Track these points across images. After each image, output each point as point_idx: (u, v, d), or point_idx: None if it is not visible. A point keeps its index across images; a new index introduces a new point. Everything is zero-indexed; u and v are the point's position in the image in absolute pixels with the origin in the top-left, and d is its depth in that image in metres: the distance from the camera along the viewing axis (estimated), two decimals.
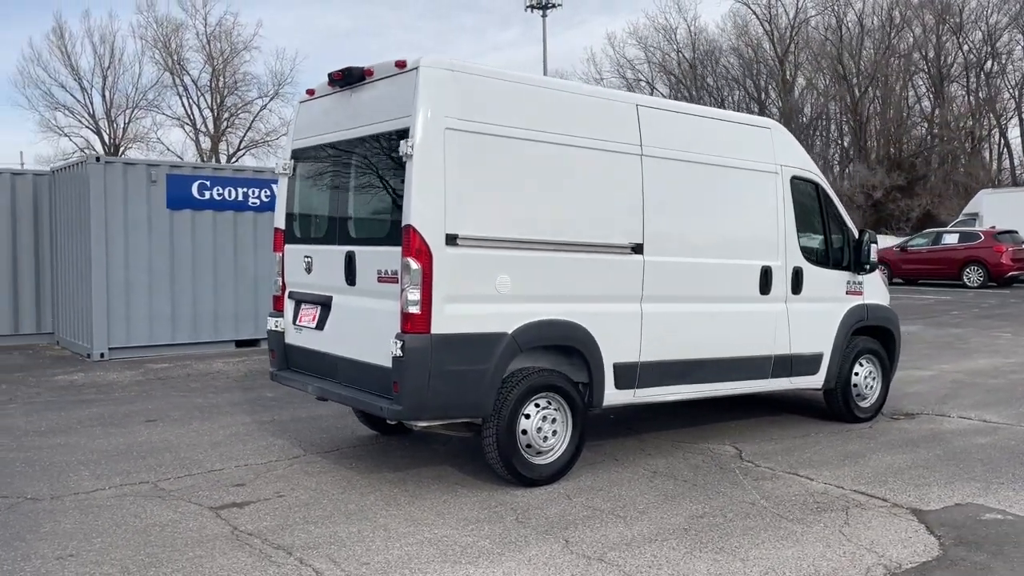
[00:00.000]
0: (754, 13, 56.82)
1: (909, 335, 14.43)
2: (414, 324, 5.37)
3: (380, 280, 5.70)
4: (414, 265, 5.34)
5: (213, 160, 50.89)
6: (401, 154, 5.40)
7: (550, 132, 5.95)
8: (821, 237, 7.80)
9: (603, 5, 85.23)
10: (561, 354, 6.13)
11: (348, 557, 4.71)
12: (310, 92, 6.72)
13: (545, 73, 58.15)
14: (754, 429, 7.77)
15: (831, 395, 7.96)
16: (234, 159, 52.68)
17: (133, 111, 55.16)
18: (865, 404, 8.10)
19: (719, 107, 60.26)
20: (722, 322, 6.92)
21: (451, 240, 5.44)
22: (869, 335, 8.15)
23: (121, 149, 54.52)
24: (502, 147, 5.71)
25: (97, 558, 4.69)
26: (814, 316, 7.56)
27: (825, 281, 7.69)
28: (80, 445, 7.17)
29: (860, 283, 7.97)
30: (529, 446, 5.91)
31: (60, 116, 53.01)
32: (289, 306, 6.80)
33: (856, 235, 7.92)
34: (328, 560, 4.66)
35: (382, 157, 5.76)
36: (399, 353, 5.37)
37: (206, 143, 54.53)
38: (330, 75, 6.24)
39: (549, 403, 5.99)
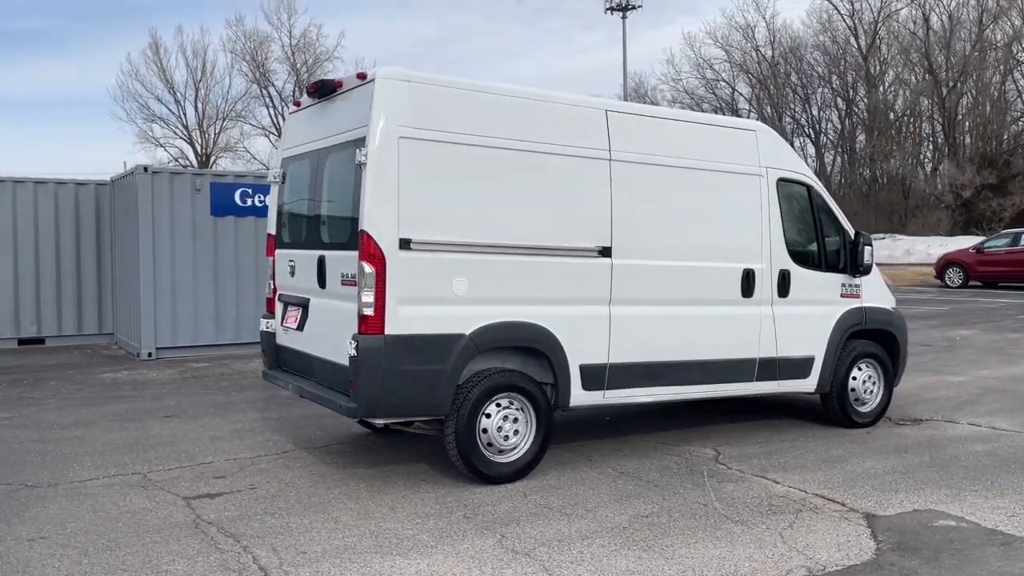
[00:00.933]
0: (835, 8, 55.38)
1: (961, 340, 14.03)
2: (368, 325, 5.61)
3: (343, 283, 5.96)
4: (368, 269, 5.58)
5: None
6: (357, 162, 5.65)
7: (512, 139, 6.10)
8: (812, 240, 7.72)
9: (685, 5, 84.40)
10: (526, 355, 6.27)
11: (289, 546, 4.96)
12: (296, 104, 7.04)
13: (624, 75, 58.06)
14: (743, 432, 7.74)
15: (827, 399, 7.87)
16: None
17: (223, 122, 57.55)
18: (865, 409, 7.97)
19: (803, 104, 59.14)
20: (700, 325, 6.95)
21: (405, 244, 5.66)
22: (869, 339, 8.02)
23: (212, 159, 56.91)
24: (459, 154, 5.90)
25: (64, 541, 5.07)
26: (804, 319, 7.50)
27: (816, 284, 7.61)
28: (94, 438, 7.67)
29: (857, 286, 7.85)
30: (490, 445, 6.08)
31: (156, 128, 55.84)
32: (279, 308, 7.14)
33: (852, 238, 7.80)
34: (270, 548, 4.93)
35: (346, 165, 6.02)
36: (354, 353, 5.62)
37: None
38: (306, 87, 6.54)
39: (511, 403, 6.15)
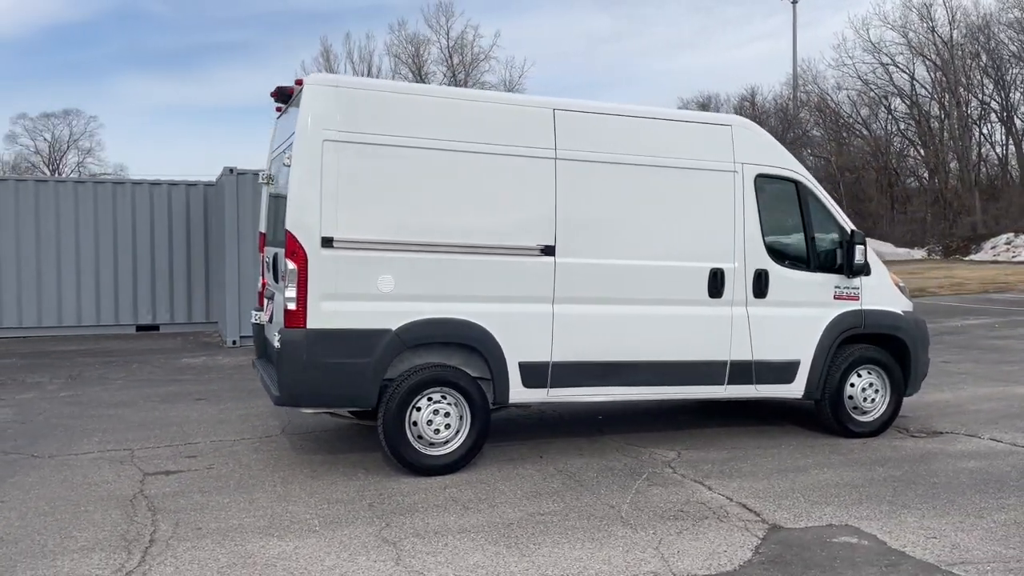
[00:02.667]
0: None
1: None
2: (291, 319, 5.94)
3: (279, 279, 6.32)
4: (291, 265, 5.91)
5: None
6: (285, 164, 5.99)
7: (445, 140, 6.25)
8: (799, 238, 7.36)
9: None
10: (463, 351, 6.40)
11: (192, 523, 5.36)
12: (278, 109, 7.47)
13: (795, 61, 55.87)
14: (722, 437, 7.51)
15: (819, 407, 7.49)
16: None
17: None
18: (865, 419, 7.52)
19: (995, 85, 54.53)
20: (660, 325, 6.81)
21: (327, 243, 5.94)
22: (873, 344, 7.56)
23: None
24: (388, 156, 6.12)
25: (15, 506, 5.70)
26: (786, 321, 7.18)
27: (802, 285, 7.26)
28: (121, 416, 8.46)
29: (856, 288, 7.41)
30: (420, 437, 6.26)
31: None
32: (266, 302, 7.61)
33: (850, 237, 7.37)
34: (173, 523, 5.34)
35: (286, 168, 6.37)
36: (277, 345, 5.97)
37: None
38: (271, 93, 6.96)
39: (444, 397, 6.30)
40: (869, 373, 7.53)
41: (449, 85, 58.34)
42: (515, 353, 6.42)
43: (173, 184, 15.92)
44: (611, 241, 6.72)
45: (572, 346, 6.58)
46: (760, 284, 7.08)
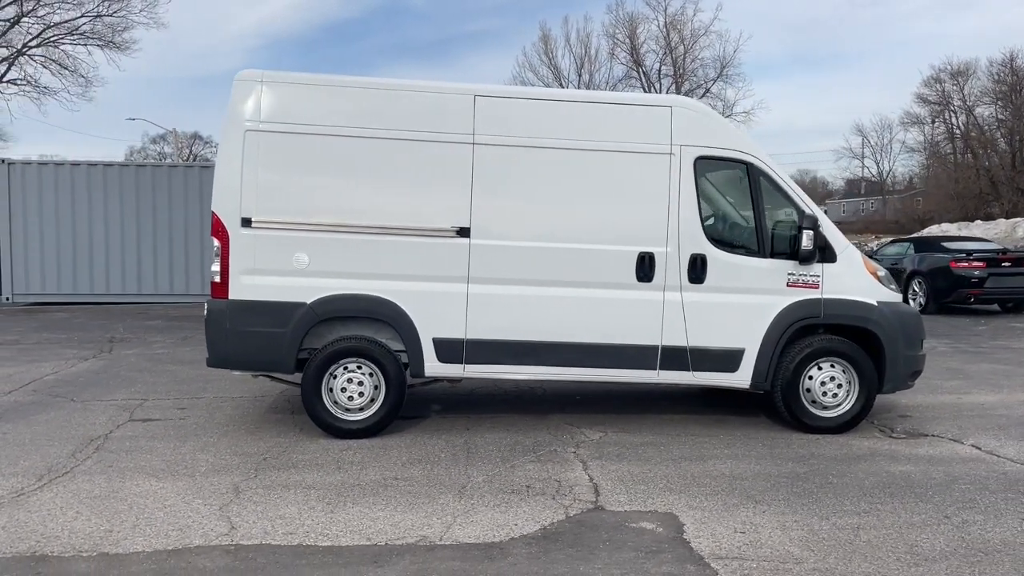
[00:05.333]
0: None
1: None
2: (215, 291, 6.70)
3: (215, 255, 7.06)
4: (215, 243, 6.66)
5: None
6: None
7: (362, 127, 6.71)
8: (748, 222, 7.06)
9: None
10: (380, 325, 6.86)
11: (114, 461, 6.22)
12: None
13: None
14: (666, 424, 7.42)
15: (772, 398, 7.18)
16: None
17: None
18: (826, 414, 7.10)
19: None
20: (582, 307, 6.86)
21: (246, 223, 6.62)
22: (838, 335, 7.12)
23: None
24: (307, 143, 6.68)
25: (9, 437, 6.91)
26: (727, 308, 6.94)
27: (746, 271, 6.98)
28: (174, 373, 9.73)
29: (815, 276, 7.00)
30: (336, 403, 6.82)
31: None
32: None
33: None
34: (99, 461, 6.25)
35: None
36: (205, 314, 6.76)
37: None
38: None
39: (360, 367, 6.81)
40: (832, 366, 7.10)
41: (662, 64, 57.61)
42: (429, 329, 6.78)
43: None
44: (529, 223, 6.86)
45: (487, 325, 6.82)
46: (696, 269, 6.91)
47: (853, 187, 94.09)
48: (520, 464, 6.21)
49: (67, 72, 32.67)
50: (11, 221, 17.44)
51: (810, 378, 7.08)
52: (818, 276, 7.01)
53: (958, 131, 59.18)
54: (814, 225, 6.85)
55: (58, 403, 8.17)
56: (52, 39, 32.44)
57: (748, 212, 7.07)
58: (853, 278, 7.09)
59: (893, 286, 7.36)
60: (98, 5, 32.37)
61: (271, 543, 4.72)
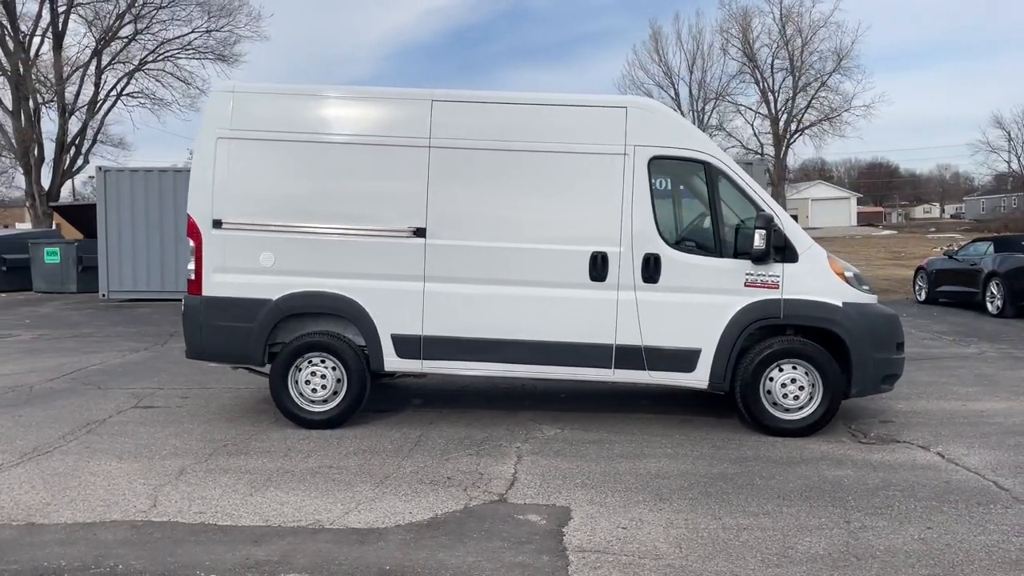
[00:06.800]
0: None
1: None
2: (191, 288, 7.20)
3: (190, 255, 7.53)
4: (190, 243, 7.16)
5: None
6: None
7: (324, 133, 7.07)
8: (705, 223, 7.01)
9: None
10: (342, 321, 7.20)
11: (97, 443, 6.80)
12: None
13: None
14: (622, 423, 7.47)
15: (732, 398, 7.12)
16: (791, 141, 53.30)
17: (716, 102, 59.30)
18: (788, 416, 6.98)
19: None
20: (536, 306, 6.98)
21: (217, 224, 7.09)
22: (802, 336, 7.00)
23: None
24: (272, 149, 7.09)
25: (29, 417, 7.63)
26: (682, 308, 6.93)
27: (701, 270, 6.93)
28: (200, 365, 10.13)
29: (775, 276, 6.89)
30: (302, 395, 7.21)
31: None
32: None
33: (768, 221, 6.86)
34: (83, 443, 6.86)
35: None
36: (182, 309, 7.27)
37: (764, 126, 56.14)
38: None
39: (323, 361, 7.17)
40: (794, 368, 6.97)
41: (775, 57, 56.00)
42: (387, 325, 7.07)
43: None
44: (483, 224, 7.04)
45: (443, 322, 7.05)
46: (650, 269, 6.93)
47: (1001, 183, 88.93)
48: (456, 457, 6.41)
49: (179, 83, 34.79)
50: (107, 224, 18.83)
51: (771, 380, 6.97)
52: (778, 276, 6.90)
53: None
54: (767, 224, 6.75)
55: (84, 390, 8.91)
56: (167, 54, 34.62)
57: (704, 211, 7.03)
58: (816, 278, 6.94)
59: (865, 287, 7.15)
60: (207, 21, 34.32)
61: (177, 520, 5.10)
